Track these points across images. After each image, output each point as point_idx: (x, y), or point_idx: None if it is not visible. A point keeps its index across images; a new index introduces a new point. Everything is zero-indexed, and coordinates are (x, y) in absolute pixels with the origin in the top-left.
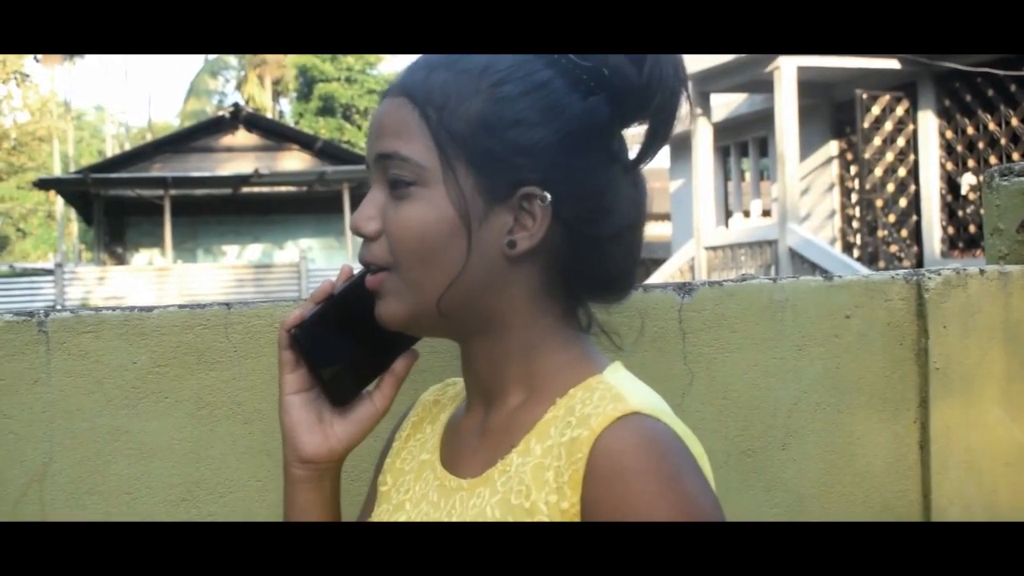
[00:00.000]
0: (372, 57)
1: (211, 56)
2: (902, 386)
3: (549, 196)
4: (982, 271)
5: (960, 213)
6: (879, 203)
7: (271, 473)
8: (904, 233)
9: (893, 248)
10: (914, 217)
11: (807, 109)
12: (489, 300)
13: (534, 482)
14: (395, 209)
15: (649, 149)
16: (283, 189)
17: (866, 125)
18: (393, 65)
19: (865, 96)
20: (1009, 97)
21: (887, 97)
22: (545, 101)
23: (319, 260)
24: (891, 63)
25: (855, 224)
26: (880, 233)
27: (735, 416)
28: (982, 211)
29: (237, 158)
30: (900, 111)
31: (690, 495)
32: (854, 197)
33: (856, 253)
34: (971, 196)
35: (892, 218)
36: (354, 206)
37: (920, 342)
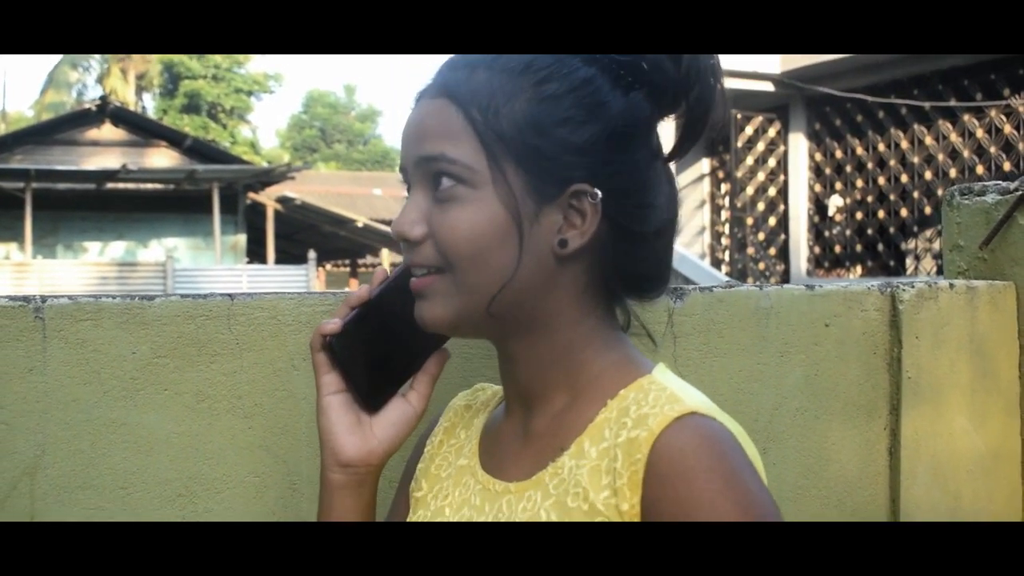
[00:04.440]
0: (240, 56)
1: None
2: (875, 394)
3: (600, 193)
4: (951, 285)
5: (827, 233)
6: (749, 221)
7: (271, 470)
8: (773, 251)
9: (761, 265)
10: (782, 236)
11: None
12: (537, 301)
13: (591, 484)
14: (442, 212)
15: (684, 143)
16: (149, 186)
17: (739, 145)
18: (260, 65)
19: (739, 116)
20: (877, 123)
21: (760, 118)
22: (590, 99)
23: (185, 260)
24: (765, 86)
25: (724, 241)
26: (749, 250)
27: None
28: (847, 232)
29: (102, 152)
30: (772, 132)
31: (751, 493)
32: (724, 215)
33: (725, 269)
34: (837, 217)
35: (761, 236)
36: (223, 206)
37: (893, 351)
